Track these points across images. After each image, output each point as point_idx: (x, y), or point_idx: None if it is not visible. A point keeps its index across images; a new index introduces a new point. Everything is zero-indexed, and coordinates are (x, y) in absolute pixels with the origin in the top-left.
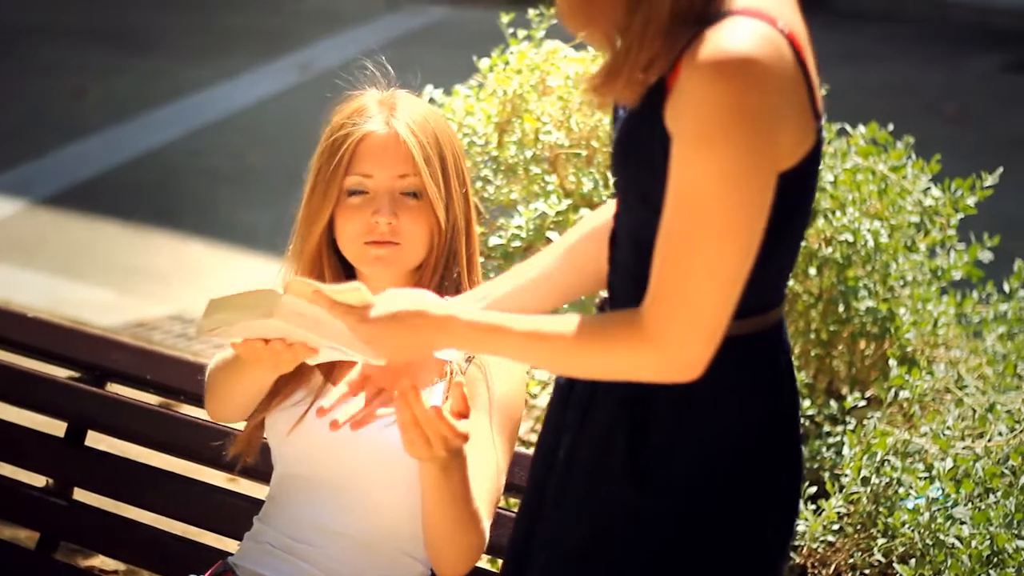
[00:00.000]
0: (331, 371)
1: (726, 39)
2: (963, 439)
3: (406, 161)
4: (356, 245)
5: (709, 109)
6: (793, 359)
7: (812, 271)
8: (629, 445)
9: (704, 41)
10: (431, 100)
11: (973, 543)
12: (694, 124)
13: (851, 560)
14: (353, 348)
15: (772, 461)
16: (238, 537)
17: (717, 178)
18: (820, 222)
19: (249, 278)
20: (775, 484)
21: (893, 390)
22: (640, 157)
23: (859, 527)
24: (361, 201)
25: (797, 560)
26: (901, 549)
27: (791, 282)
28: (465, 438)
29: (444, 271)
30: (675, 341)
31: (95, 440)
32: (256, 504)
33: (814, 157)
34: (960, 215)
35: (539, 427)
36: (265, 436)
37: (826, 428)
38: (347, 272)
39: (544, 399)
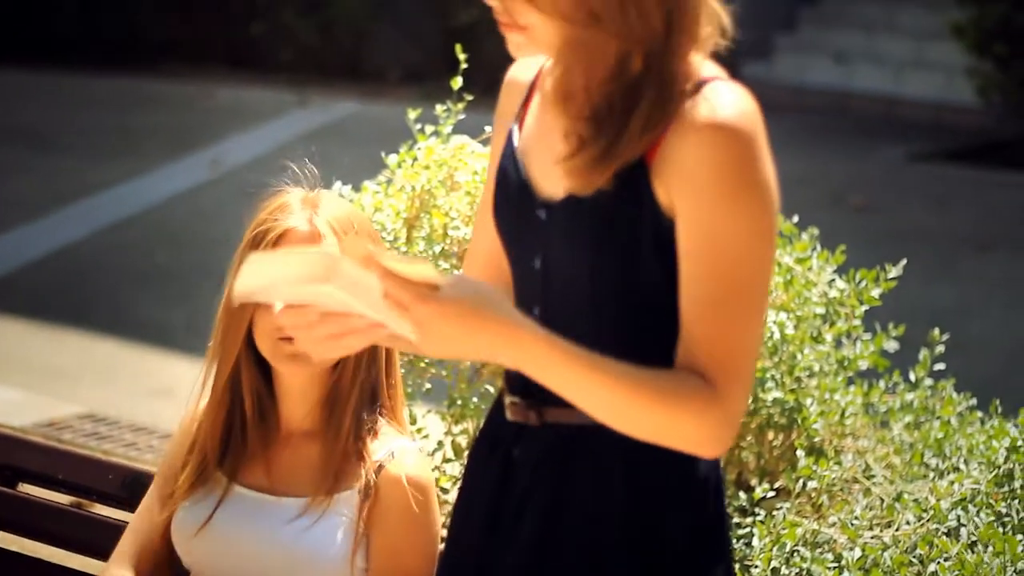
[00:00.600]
0: (236, 471)
1: (727, 100)
2: (871, 528)
3: None
4: (270, 341)
5: (733, 168)
6: None
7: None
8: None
9: (699, 106)
10: (340, 196)
11: None
12: (720, 186)
13: None
14: (397, 327)
15: (707, 555)
16: None
17: (753, 234)
18: None
19: (162, 377)
20: None
21: (801, 480)
22: (619, 236)
23: None
24: None
25: None
26: None
27: None
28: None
29: (365, 370)
30: (737, 402)
31: (6, 541)
32: None
33: None
34: (865, 306)
35: None
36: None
37: (736, 520)
38: (269, 371)
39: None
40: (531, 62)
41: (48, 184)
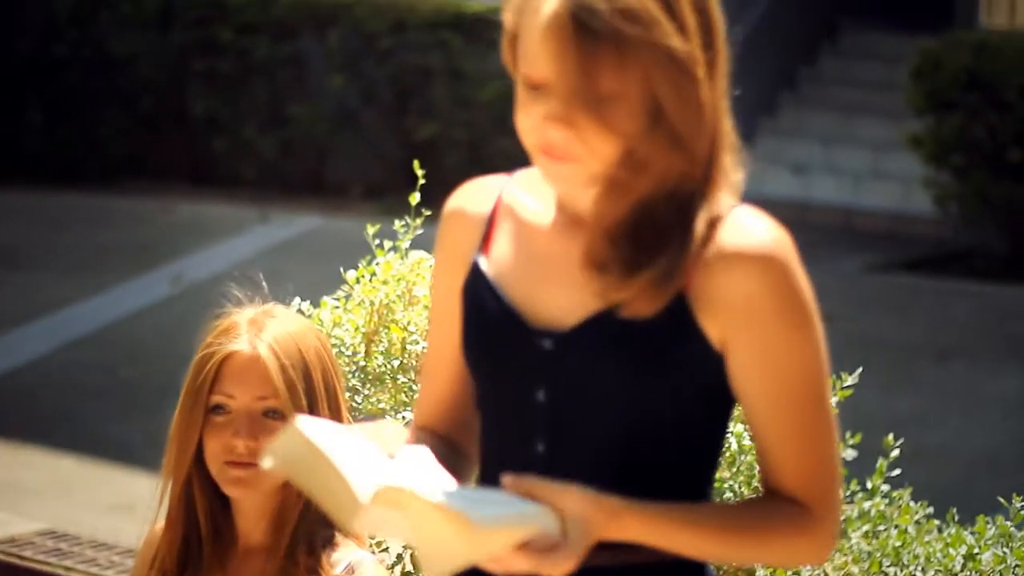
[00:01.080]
0: None
1: (763, 228)
2: None
3: (267, 382)
4: (218, 465)
5: (789, 297)
6: None
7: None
8: None
9: (737, 236)
10: (299, 311)
11: None
12: (783, 317)
13: None
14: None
15: None
16: None
17: (818, 356)
18: None
19: (123, 492)
20: None
21: None
22: (658, 367)
23: None
24: (224, 420)
25: None
26: None
27: None
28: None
29: None
30: (836, 520)
31: None
32: None
33: None
34: None
35: None
36: None
37: None
38: (218, 492)
39: None
40: (478, 192)
41: (10, 300)
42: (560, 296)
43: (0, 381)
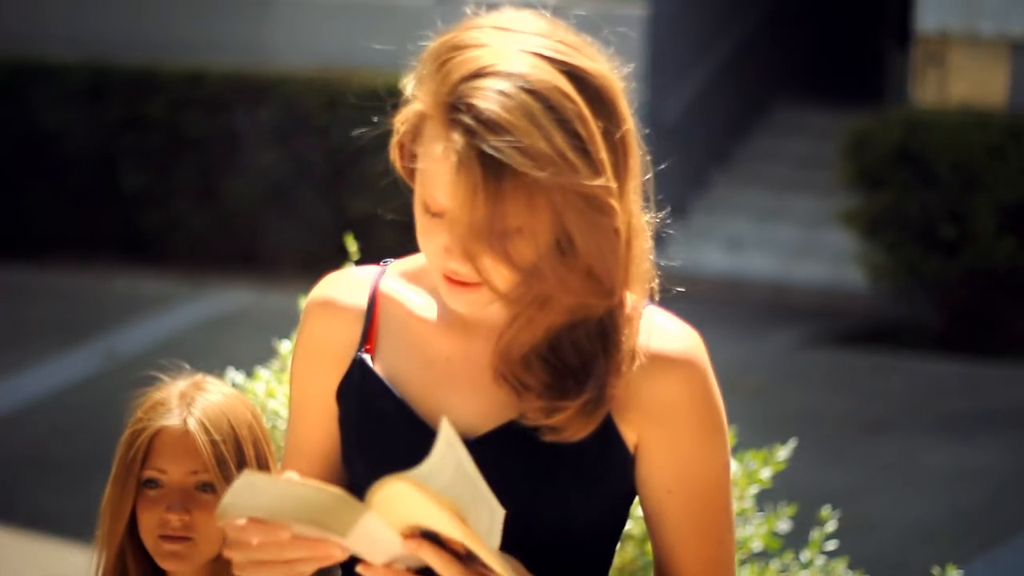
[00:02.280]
0: None
1: (676, 332)
2: None
3: (198, 457)
4: (151, 538)
5: (704, 401)
6: None
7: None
8: None
9: (651, 340)
10: (233, 384)
11: None
12: (697, 421)
13: None
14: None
15: None
16: None
17: (726, 461)
18: None
19: (55, 565)
20: None
21: None
22: (575, 474)
23: None
24: (157, 494)
25: None
26: None
27: None
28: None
29: None
30: None
31: None
32: None
33: None
34: (756, 487)
35: None
36: None
37: None
38: (153, 563)
39: None
40: (348, 284)
41: None
42: (466, 401)
43: None
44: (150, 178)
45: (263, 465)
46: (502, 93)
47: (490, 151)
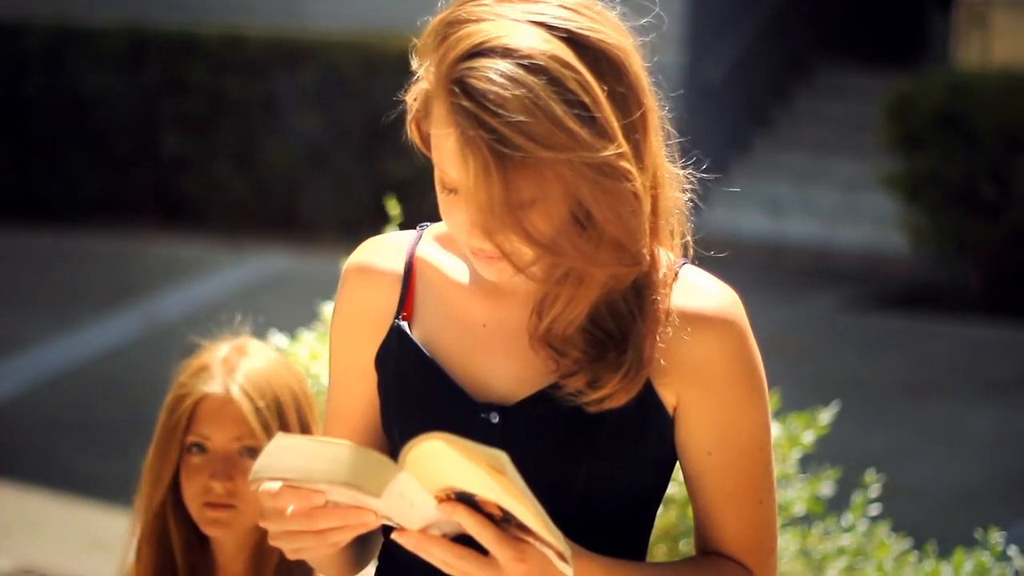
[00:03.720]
0: None
1: (714, 291)
2: None
3: (243, 423)
4: (195, 505)
5: (744, 361)
6: None
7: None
8: None
9: (688, 299)
10: (276, 348)
11: None
12: (738, 382)
13: None
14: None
15: None
16: None
17: (767, 421)
18: None
19: (96, 530)
20: None
21: None
22: (616, 440)
23: None
24: (201, 461)
25: None
26: None
27: None
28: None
29: None
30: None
31: None
32: None
33: None
34: (798, 451)
35: None
36: None
37: None
38: (195, 527)
39: None
40: (386, 249)
41: None
42: (503, 367)
43: None
44: (190, 142)
45: (306, 430)
46: (499, 72)
47: (492, 132)
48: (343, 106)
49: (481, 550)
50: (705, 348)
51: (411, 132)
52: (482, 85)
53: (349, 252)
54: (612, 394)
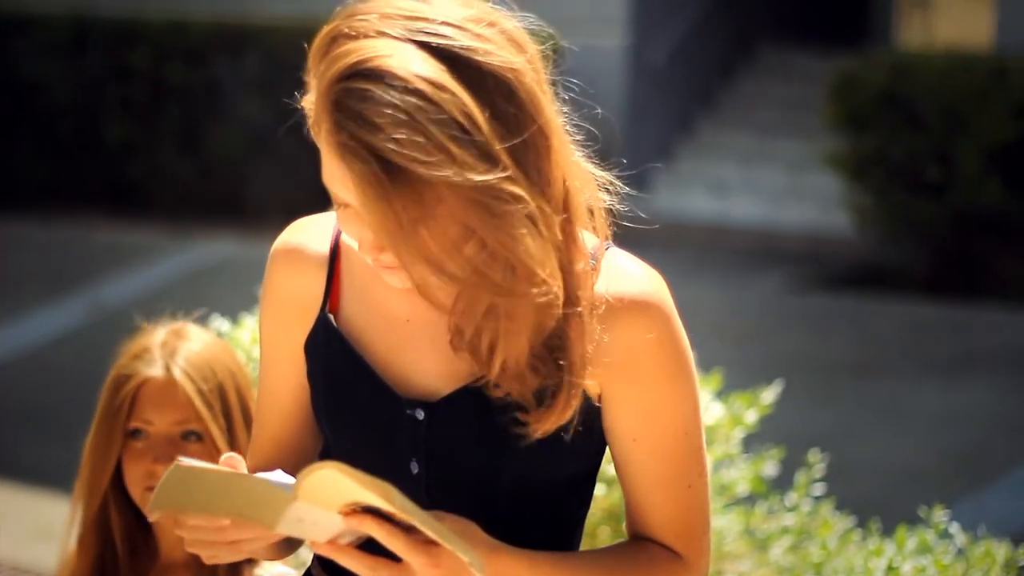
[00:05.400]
0: None
1: (636, 274)
2: None
3: (185, 407)
4: (138, 490)
5: (669, 346)
6: None
7: (601, 489)
8: None
9: (611, 285)
10: (218, 332)
11: None
12: (663, 367)
13: None
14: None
15: None
16: None
17: (695, 404)
18: None
19: (43, 518)
20: None
21: None
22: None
23: None
24: (143, 445)
25: None
26: None
27: None
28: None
29: None
30: (706, 564)
31: None
32: None
33: None
34: (742, 431)
35: None
36: None
37: None
38: (137, 513)
39: None
40: (314, 231)
41: None
42: (428, 362)
43: None
44: (134, 128)
45: (247, 413)
46: (376, 94)
47: (370, 149)
48: (286, 91)
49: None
50: (627, 335)
51: (314, 136)
52: (358, 106)
53: None
54: (569, 398)
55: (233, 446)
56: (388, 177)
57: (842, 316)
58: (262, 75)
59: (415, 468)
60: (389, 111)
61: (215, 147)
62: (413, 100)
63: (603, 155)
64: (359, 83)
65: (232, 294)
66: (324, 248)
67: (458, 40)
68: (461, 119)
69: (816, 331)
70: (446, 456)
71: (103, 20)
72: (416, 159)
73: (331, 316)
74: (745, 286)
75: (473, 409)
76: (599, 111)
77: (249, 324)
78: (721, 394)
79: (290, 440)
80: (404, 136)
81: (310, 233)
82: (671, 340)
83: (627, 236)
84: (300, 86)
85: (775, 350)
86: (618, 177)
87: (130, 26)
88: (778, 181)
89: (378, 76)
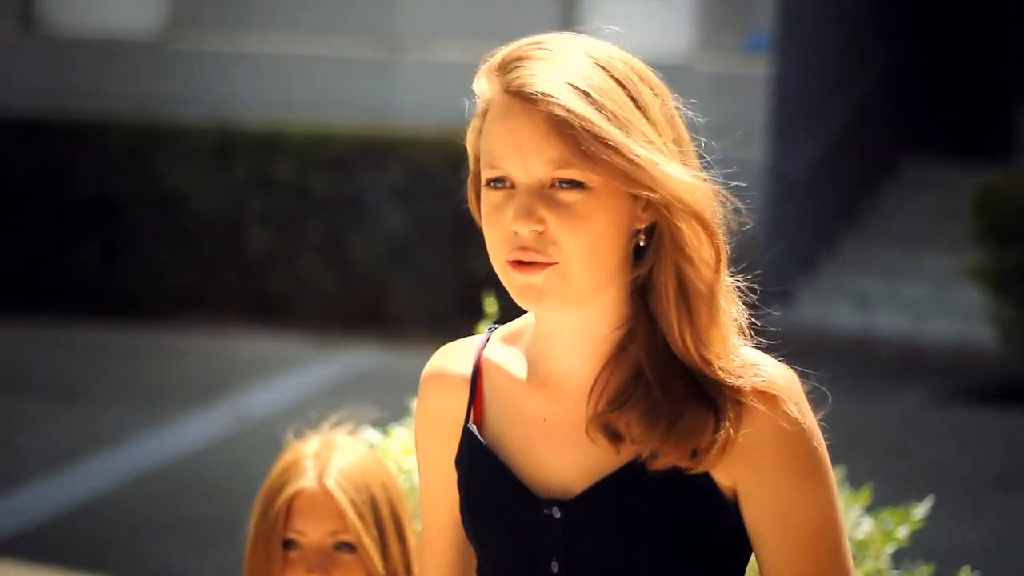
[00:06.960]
0: None
1: (773, 372)
2: None
3: (338, 517)
4: None
5: (805, 442)
6: None
7: None
8: None
9: (751, 375)
10: (369, 444)
11: None
12: (800, 463)
13: None
14: None
15: None
16: None
17: (831, 501)
18: None
19: None
20: None
21: None
22: (676, 524)
23: None
24: (296, 556)
25: None
26: None
27: None
28: None
29: None
30: None
31: None
32: None
33: None
34: (892, 546)
35: None
36: None
37: None
38: None
39: None
40: (456, 355)
41: (68, 436)
42: (564, 459)
43: (61, 518)
44: (277, 239)
45: (399, 524)
46: (564, 74)
47: (556, 97)
48: (428, 202)
49: None
50: (759, 429)
51: (469, 195)
52: (537, 72)
53: (437, 347)
54: (667, 458)
55: (385, 556)
56: (562, 131)
57: (987, 430)
58: (404, 185)
59: (555, 567)
60: (570, 83)
61: (357, 258)
62: (615, 76)
63: (746, 268)
64: (542, 66)
65: (376, 402)
66: (467, 368)
67: (630, 74)
68: (645, 129)
69: (961, 445)
70: (584, 553)
71: (246, 132)
72: (606, 120)
73: (474, 427)
74: (889, 400)
75: (608, 504)
76: (747, 223)
77: (399, 435)
78: (870, 509)
79: (455, 566)
80: (603, 99)
81: (453, 356)
82: (799, 435)
83: (769, 349)
84: (441, 196)
85: (921, 464)
86: (760, 290)
87: (273, 137)
88: (921, 294)
89: (566, 63)
